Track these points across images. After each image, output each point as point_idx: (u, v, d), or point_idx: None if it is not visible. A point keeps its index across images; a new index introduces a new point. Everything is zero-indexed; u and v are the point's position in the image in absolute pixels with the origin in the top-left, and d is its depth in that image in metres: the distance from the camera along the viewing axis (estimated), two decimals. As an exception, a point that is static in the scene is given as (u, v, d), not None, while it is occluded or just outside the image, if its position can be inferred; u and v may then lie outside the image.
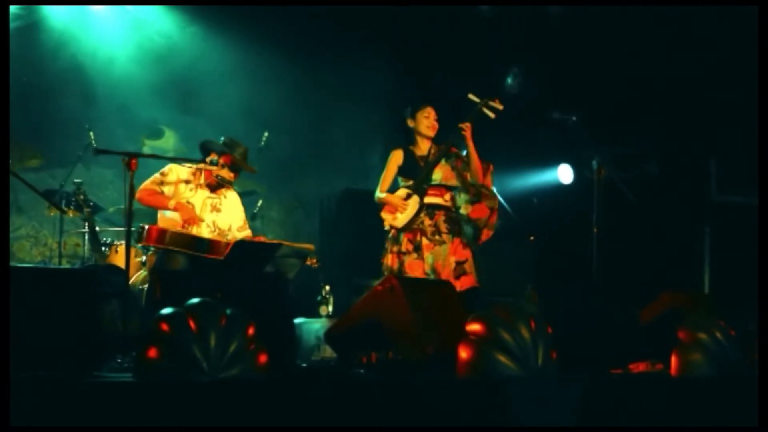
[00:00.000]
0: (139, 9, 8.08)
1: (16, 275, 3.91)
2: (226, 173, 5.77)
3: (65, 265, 6.97)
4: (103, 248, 6.53)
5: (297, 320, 6.42)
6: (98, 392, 3.33)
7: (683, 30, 7.73)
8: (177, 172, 5.74)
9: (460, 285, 5.64)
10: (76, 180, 6.64)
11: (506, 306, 4.41)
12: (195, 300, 3.76)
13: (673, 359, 4.72)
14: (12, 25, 6.80)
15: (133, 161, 4.80)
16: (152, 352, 3.56)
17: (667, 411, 4.22)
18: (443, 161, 5.87)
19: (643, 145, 8.33)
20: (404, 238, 5.76)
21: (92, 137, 6.91)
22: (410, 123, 5.96)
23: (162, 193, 5.65)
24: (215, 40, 8.33)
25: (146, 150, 7.92)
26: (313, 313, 7.02)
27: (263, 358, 3.77)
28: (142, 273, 6.16)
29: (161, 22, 8.20)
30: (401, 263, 5.72)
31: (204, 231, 5.64)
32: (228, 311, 3.73)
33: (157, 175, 5.71)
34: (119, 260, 6.29)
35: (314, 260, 5.76)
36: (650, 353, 5.19)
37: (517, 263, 7.58)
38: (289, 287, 5.68)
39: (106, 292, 5.20)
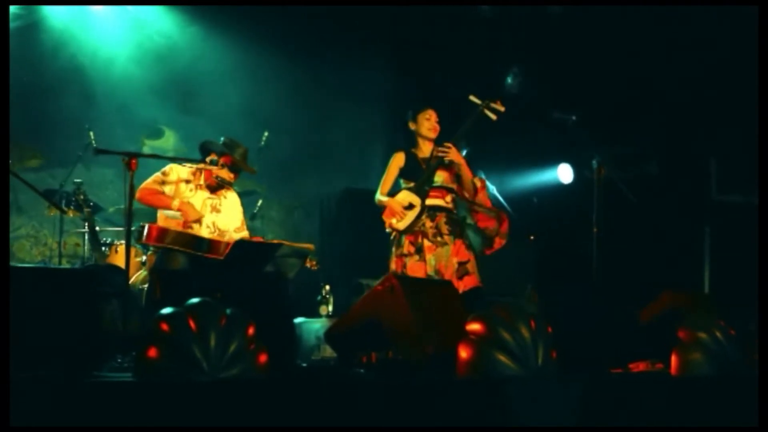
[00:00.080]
0: (139, 9, 8.08)
1: (16, 275, 3.91)
2: (225, 174, 5.76)
3: (65, 265, 6.98)
4: (103, 248, 6.53)
5: (297, 320, 6.43)
6: (98, 392, 3.33)
7: (683, 30, 7.73)
8: (177, 171, 5.73)
9: (464, 285, 5.64)
10: (76, 180, 6.64)
11: (506, 306, 4.41)
12: (195, 300, 3.75)
13: (673, 359, 4.72)
14: (12, 24, 6.81)
15: (133, 161, 4.80)
16: (152, 352, 3.56)
17: (667, 411, 4.22)
18: (445, 163, 5.86)
19: (643, 145, 8.33)
20: (406, 241, 5.76)
21: (92, 137, 6.91)
22: (412, 125, 5.96)
23: (163, 192, 5.65)
24: (215, 40, 8.33)
25: (146, 150, 7.92)
26: (313, 313, 7.02)
27: (263, 358, 3.77)
28: (142, 273, 6.16)
29: (161, 22, 8.20)
30: (404, 265, 5.72)
31: (203, 231, 5.63)
32: (228, 311, 3.73)
33: (158, 175, 5.70)
34: (119, 260, 6.29)
35: (314, 262, 5.76)
36: (650, 353, 5.19)
37: (517, 263, 7.57)
38: (289, 287, 5.68)
39: (106, 292, 5.19)
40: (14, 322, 3.57)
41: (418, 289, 4.95)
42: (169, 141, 8.30)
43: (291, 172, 8.74)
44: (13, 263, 6.21)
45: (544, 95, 8.10)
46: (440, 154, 5.75)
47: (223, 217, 5.80)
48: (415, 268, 5.68)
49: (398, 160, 5.93)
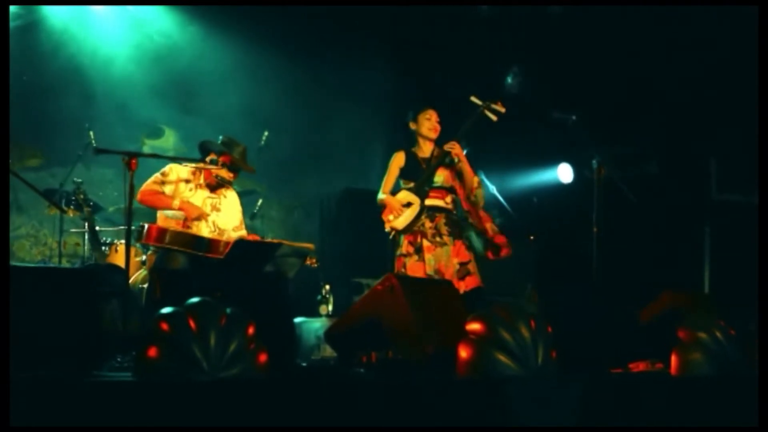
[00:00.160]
0: (139, 8, 8.08)
1: (16, 275, 3.91)
2: (225, 173, 5.76)
3: (65, 264, 6.97)
4: (103, 247, 6.53)
5: (297, 319, 6.42)
6: (98, 392, 3.32)
7: (683, 30, 7.73)
8: (177, 171, 5.74)
9: (465, 285, 5.65)
10: (76, 179, 6.65)
11: (506, 306, 4.41)
12: (195, 299, 3.75)
13: (673, 359, 4.72)
14: (12, 24, 6.80)
15: (133, 161, 4.80)
16: (152, 352, 3.56)
17: (667, 411, 4.22)
18: (446, 162, 5.86)
19: (643, 145, 8.33)
20: (405, 241, 5.76)
21: (92, 136, 6.91)
22: (412, 125, 5.96)
23: (163, 192, 5.65)
24: (215, 40, 8.33)
25: (146, 149, 7.92)
26: (313, 313, 7.02)
27: (263, 358, 3.77)
28: (142, 272, 6.16)
29: (161, 21, 8.20)
30: (403, 265, 5.72)
31: (204, 230, 5.63)
32: (228, 310, 3.73)
33: (157, 175, 5.70)
34: (119, 259, 6.29)
35: (314, 260, 5.76)
36: (650, 353, 5.19)
37: (517, 263, 7.55)
38: (289, 286, 5.68)
39: (106, 292, 5.20)
40: (14, 322, 3.57)
41: (418, 288, 4.95)
42: (169, 140, 8.30)
43: (291, 171, 8.74)
44: (13, 263, 6.21)
45: (544, 95, 8.10)
46: (448, 149, 5.74)
47: (223, 216, 5.80)
48: (414, 268, 5.68)
49: (398, 159, 5.94)
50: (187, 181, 5.74)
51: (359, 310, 4.92)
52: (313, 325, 6.68)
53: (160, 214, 5.74)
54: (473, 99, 5.88)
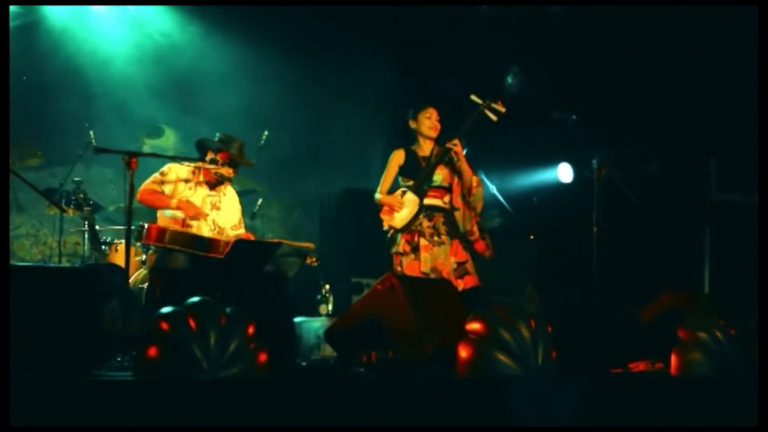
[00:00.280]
0: (139, 8, 8.08)
1: (16, 274, 3.90)
2: (224, 170, 5.76)
3: (65, 263, 6.97)
4: (103, 247, 6.53)
5: (297, 319, 6.42)
6: (98, 392, 3.32)
7: (683, 30, 7.73)
8: (176, 171, 5.73)
9: (464, 284, 5.65)
10: (76, 179, 6.64)
11: (506, 305, 4.41)
12: (195, 299, 3.76)
13: (673, 359, 4.72)
14: (12, 23, 6.80)
15: (133, 160, 4.80)
16: (152, 351, 3.56)
17: (667, 411, 4.22)
18: (445, 161, 5.86)
19: (643, 145, 8.33)
20: (402, 239, 5.76)
21: (92, 136, 6.91)
22: (412, 124, 5.96)
23: (163, 192, 5.65)
24: (215, 40, 8.32)
25: (146, 149, 7.92)
26: (313, 312, 7.02)
27: (263, 357, 3.77)
28: (142, 272, 6.16)
29: (161, 21, 8.20)
30: (400, 264, 5.72)
31: (204, 229, 5.63)
32: (228, 310, 3.73)
33: (156, 175, 5.70)
34: (119, 259, 6.29)
35: (314, 259, 5.76)
36: (650, 353, 5.19)
37: (517, 263, 7.57)
38: (289, 286, 5.68)
39: (106, 291, 5.19)
40: (14, 322, 3.57)
41: (418, 288, 4.95)
42: (169, 140, 8.30)
43: (291, 171, 8.74)
44: (13, 262, 6.21)
45: (544, 95, 8.10)
46: (450, 146, 5.74)
47: (223, 215, 5.80)
48: (411, 267, 5.68)
49: (398, 157, 5.93)
50: (187, 181, 5.74)
51: (359, 310, 4.93)
52: (313, 325, 6.68)
53: (159, 213, 5.75)
54: (473, 97, 5.88)
